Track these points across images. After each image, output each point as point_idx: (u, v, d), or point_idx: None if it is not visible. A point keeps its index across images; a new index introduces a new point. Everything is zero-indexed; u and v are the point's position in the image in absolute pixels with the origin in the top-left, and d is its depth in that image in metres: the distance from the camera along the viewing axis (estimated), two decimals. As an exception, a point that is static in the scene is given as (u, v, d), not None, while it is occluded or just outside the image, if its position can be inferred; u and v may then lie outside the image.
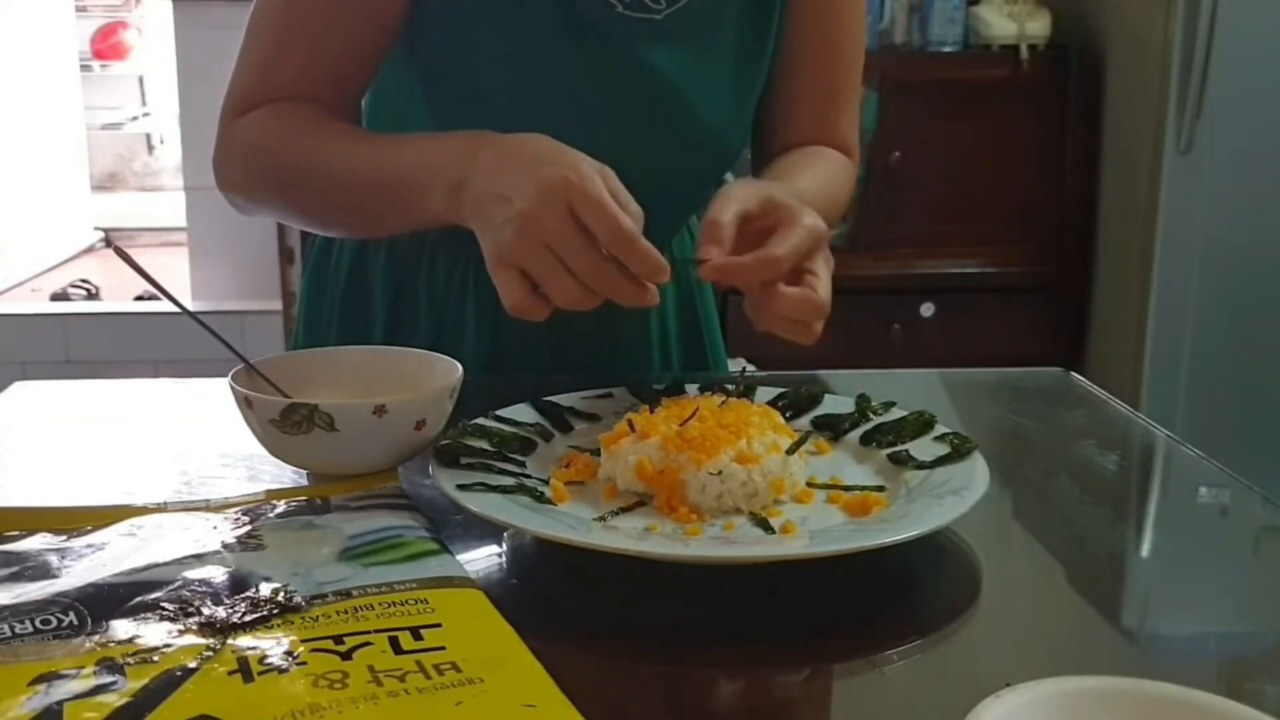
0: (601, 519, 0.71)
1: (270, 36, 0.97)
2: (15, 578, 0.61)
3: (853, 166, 1.13)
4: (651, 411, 0.79)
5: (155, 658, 0.54)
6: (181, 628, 0.56)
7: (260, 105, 0.96)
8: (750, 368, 1.05)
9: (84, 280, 4.27)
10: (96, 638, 0.55)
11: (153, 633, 0.56)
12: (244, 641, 0.55)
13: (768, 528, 0.70)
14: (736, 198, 0.83)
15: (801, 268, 0.82)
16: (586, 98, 0.99)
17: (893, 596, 0.68)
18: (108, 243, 4.89)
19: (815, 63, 1.09)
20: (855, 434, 0.85)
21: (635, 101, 1.00)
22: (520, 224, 0.77)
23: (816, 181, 1.01)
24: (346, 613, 0.58)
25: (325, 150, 0.94)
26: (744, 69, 1.05)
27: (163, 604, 0.58)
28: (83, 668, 0.53)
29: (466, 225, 0.84)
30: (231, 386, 0.77)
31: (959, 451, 0.78)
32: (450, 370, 0.81)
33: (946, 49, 2.79)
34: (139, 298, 3.66)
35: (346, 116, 0.98)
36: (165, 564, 0.63)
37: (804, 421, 0.87)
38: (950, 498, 0.71)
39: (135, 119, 6.47)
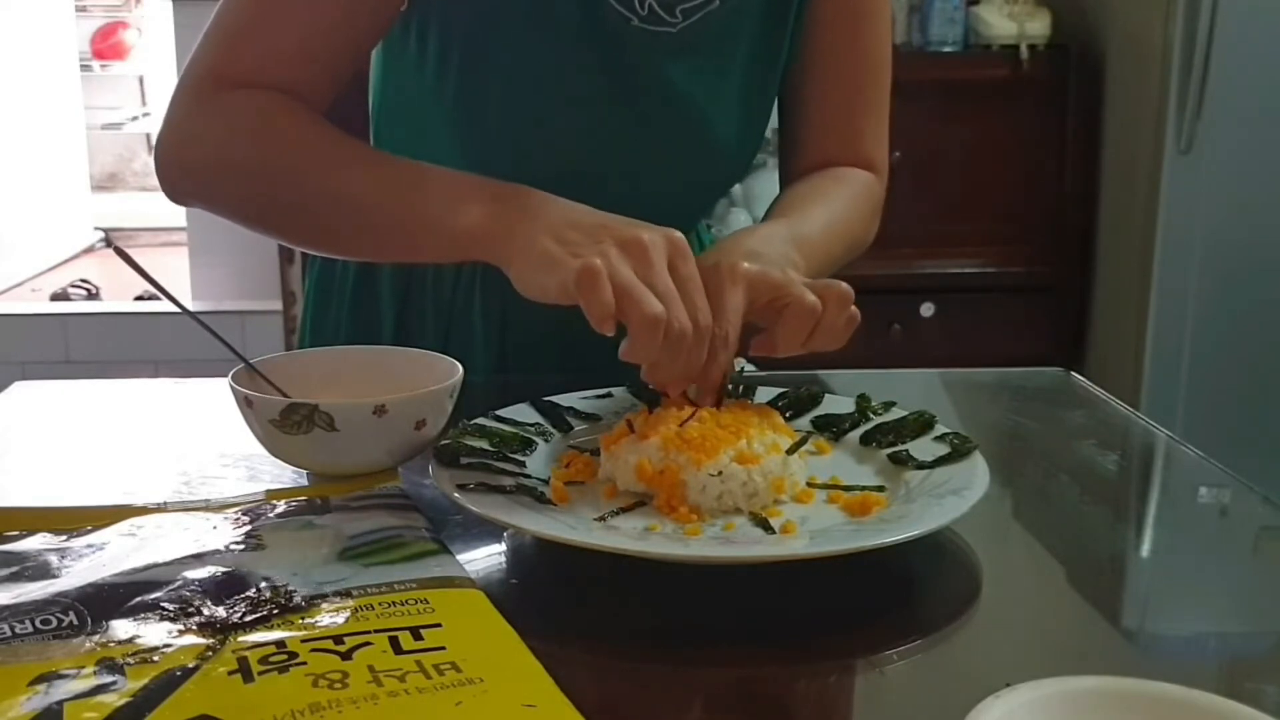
0: (601, 519, 0.71)
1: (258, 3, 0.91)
2: (15, 578, 0.61)
3: (878, 184, 1.11)
4: (651, 412, 0.79)
5: (155, 658, 0.54)
6: (181, 628, 0.56)
7: (241, 81, 0.90)
8: (750, 368, 1.05)
9: (84, 280, 4.26)
10: (96, 638, 0.55)
11: (153, 633, 0.56)
12: (244, 641, 0.55)
13: (768, 528, 0.70)
14: None
15: (762, 304, 0.80)
16: (604, 108, 0.99)
17: (893, 596, 0.68)
18: (108, 243, 4.88)
19: (839, 78, 1.08)
20: (855, 434, 0.85)
21: (650, 113, 1.01)
22: (624, 246, 0.75)
23: (822, 218, 0.98)
24: (347, 613, 0.58)
25: (342, 176, 0.89)
26: (756, 84, 1.05)
27: (163, 604, 0.58)
28: (83, 668, 0.53)
29: (504, 242, 0.81)
30: (231, 386, 0.77)
31: (959, 451, 0.78)
32: (450, 370, 0.81)
33: (946, 49, 2.78)
34: (139, 298, 3.66)
35: (323, 106, 0.93)
36: (165, 564, 0.63)
37: (804, 421, 0.87)
38: (950, 498, 0.71)
39: (135, 119, 6.46)
